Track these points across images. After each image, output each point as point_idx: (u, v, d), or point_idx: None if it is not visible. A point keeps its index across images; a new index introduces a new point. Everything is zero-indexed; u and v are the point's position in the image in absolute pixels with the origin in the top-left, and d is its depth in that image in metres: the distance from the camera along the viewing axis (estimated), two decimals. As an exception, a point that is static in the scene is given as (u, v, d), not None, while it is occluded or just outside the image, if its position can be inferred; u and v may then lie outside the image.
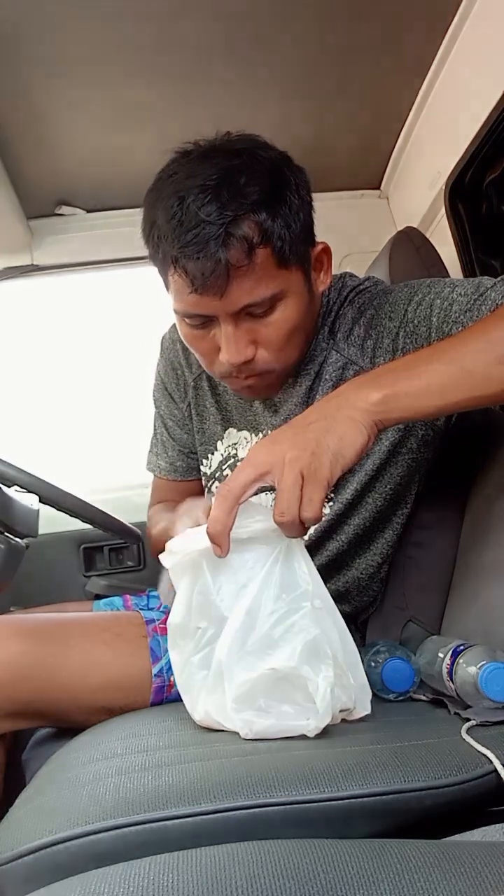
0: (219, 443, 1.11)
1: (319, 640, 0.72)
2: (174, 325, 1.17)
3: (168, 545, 0.76)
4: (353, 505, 1.00)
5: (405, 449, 0.98)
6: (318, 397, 0.98)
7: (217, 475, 1.11)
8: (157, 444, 1.22)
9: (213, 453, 1.12)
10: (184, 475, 1.20)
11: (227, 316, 0.84)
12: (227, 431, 1.11)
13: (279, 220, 0.82)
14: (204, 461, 1.14)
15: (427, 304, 0.89)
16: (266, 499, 1.02)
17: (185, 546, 0.75)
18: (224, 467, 1.10)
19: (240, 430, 1.09)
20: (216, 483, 1.11)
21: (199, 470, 1.19)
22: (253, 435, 1.07)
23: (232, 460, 1.09)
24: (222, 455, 1.11)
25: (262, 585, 0.73)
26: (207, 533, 0.71)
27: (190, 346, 0.93)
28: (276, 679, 0.72)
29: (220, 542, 0.71)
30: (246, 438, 1.08)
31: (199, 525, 0.75)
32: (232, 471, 1.06)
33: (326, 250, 0.94)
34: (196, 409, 1.14)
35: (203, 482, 1.16)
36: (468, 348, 0.73)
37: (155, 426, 1.22)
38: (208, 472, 1.13)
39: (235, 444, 1.09)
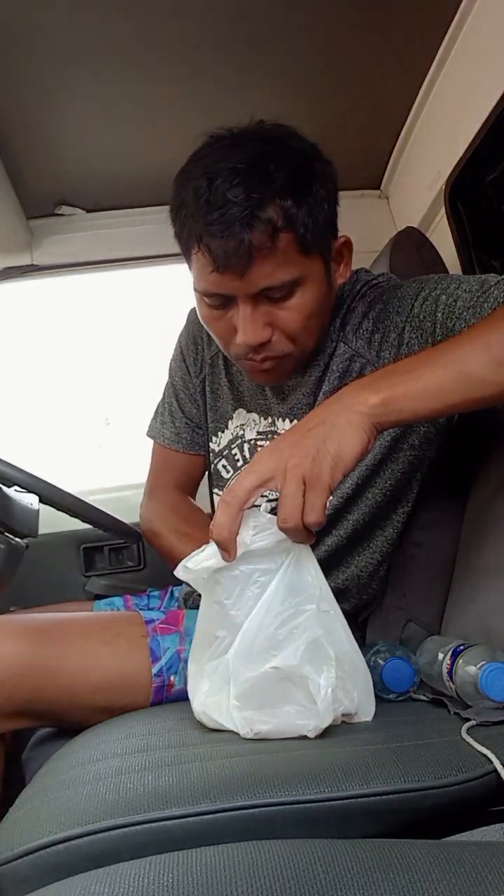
0: (229, 422, 1.13)
1: (323, 641, 0.73)
2: None
3: (184, 563, 0.77)
4: (352, 499, 1.00)
5: (406, 445, 0.98)
6: (326, 388, 0.99)
7: (225, 453, 1.12)
8: (164, 412, 1.23)
9: (223, 431, 1.14)
10: (187, 447, 1.21)
11: (246, 297, 0.86)
12: (237, 411, 1.12)
13: (304, 208, 0.84)
14: (213, 438, 1.16)
15: (433, 299, 0.91)
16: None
17: (200, 563, 0.75)
18: (233, 446, 1.11)
19: (249, 411, 1.11)
20: (223, 461, 1.12)
21: (202, 444, 1.20)
22: (262, 418, 1.08)
23: (240, 440, 1.10)
24: (232, 434, 1.12)
25: (272, 591, 0.74)
26: (214, 539, 0.71)
27: (207, 325, 0.95)
28: (278, 678, 0.72)
29: (228, 548, 0.72)
30: (254, 420, 1.09)
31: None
32: (239, 450, 1.09)
33: (348, 244, 0.96)
34: (210, 385, 1.16)
35: (210, 458, 1.17)
36: (465, 351, 0.74)
37: (165, 395, 1.24)
38: (216, 450, 1.15)
39: (244, 424, 1.11)
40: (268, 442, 1.06)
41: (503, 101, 1.19)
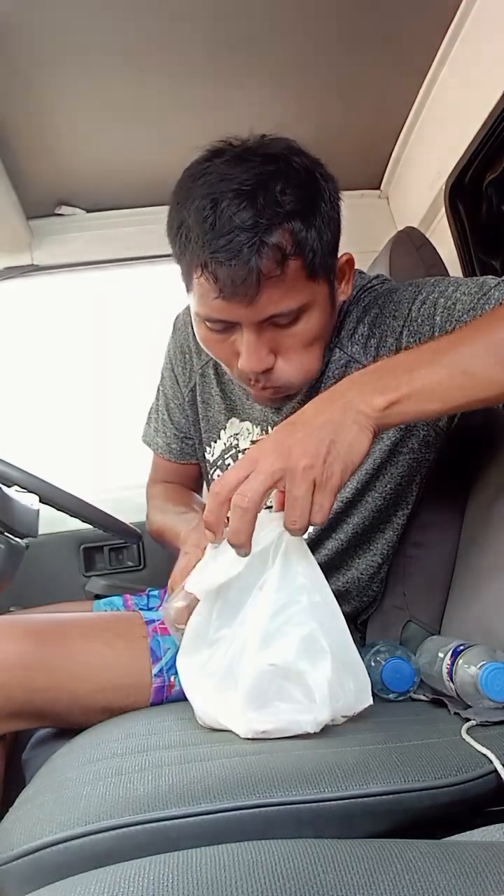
0: (222, 431, 1.12)
1: (316, 634, 0.72)
2: (188, 306, 1.17)
3: (190, 582, 0.77)
4: (353, 504, 1.00)
5: (406, 448, 0.98)
6: None
7: (219, 463, 1.12)
8: (156, 419, 1.23)
9: (216, 441, 1.13)
10: (178, 458, 1.22)
11: (251, 324, 0.84)
12: (230, 421, 1.11)
13: (312, 231, 0.81)
14: (207, 448, 1.15)
15: (431, 302, 0.90)
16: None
17: (213, 578, 0.75)
18: (226, 456, 1.11)
19: (242, 420, 1.10)
20: (218, 471, 1.12)
21: (192, 454, 1.21)
22: (255, 427, 1.08)
23: (233, 450, 1.10)
24: (225, 444, 1.11)
25: (264, 585, 0.74)
26: (231, 543, 0.70)
27: (207, 348, 0.92)
28: (275, 676, 0.72)
29: (246, 549, 0.71)
30: (248, 429, 1.08)
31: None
32: (233, 460, 1.08)
33: (350, 261, 0.94)
34: (201, 395, 1.15)
35: (205, 468, 1.17)
36: (469, 350, 0.72)
37: (157, 400, 1.23)
38: (210, 460, 1.14)
39: (237, 434, 1.10)
40: None
41: (503, 101, 1.20)
